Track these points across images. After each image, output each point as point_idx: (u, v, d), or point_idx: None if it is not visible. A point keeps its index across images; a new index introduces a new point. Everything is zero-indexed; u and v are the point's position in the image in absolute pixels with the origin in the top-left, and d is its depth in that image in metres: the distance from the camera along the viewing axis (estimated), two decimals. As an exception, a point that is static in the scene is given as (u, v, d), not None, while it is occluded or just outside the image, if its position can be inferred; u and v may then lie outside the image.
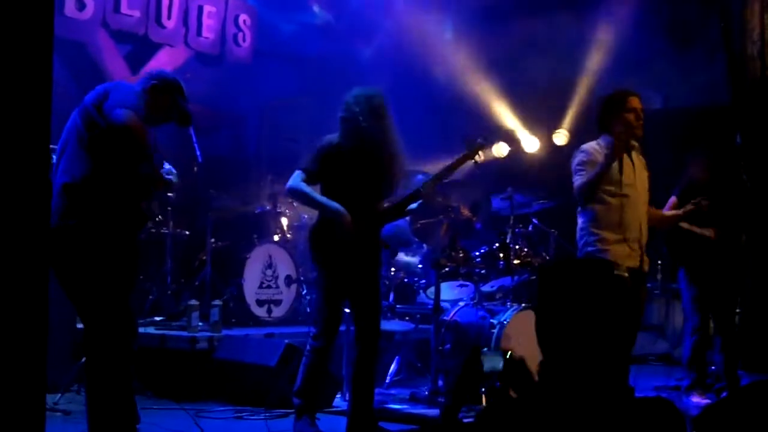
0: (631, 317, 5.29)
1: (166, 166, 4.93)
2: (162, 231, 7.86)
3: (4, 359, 2.62)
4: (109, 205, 4.42)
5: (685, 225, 6.55)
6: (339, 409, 6.24)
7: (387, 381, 7.02)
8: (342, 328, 5.82)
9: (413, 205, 5.41)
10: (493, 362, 3.15)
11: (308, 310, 8.00)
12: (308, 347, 5.39)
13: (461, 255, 6.59)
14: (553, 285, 2.62)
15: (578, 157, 5.40)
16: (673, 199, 6.65)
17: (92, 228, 4.39)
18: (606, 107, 5.47)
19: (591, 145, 5.42)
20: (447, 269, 6.56)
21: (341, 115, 5.31)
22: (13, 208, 2.68)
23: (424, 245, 7.20)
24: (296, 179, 5.27)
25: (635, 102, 5.37)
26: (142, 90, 4.63)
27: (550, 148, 9.56)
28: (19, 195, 2.70)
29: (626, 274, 5.19)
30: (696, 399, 6.44)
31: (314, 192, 5.29)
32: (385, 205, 5.44)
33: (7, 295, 2.64)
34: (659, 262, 8.40)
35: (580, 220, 5.46)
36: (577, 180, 5.35)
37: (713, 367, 6.80)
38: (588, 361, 2.56)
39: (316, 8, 10.38)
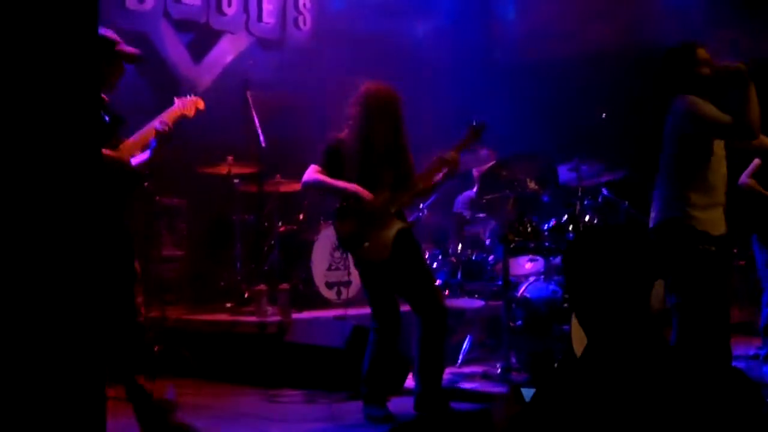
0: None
1: None
2: (230, 217, 7.90)
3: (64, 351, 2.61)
4: None
5: (756, 186, 6.32)
6: (411, 390, 6.19)
7: (459, 360, 6.93)
8: (406, 308, 5.79)
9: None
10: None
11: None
12: (371, 338, 5.46)
13: (529, 229, 6.46)
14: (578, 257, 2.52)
15: (688, 103, 4.84)
16: (756, 161, 6.41)
17: None
18: (672, 64, 4.98)
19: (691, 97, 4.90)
20: (515, 244, 6.44)
21: (348, 111, 5.39)
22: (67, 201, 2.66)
23: (492, 220, 7.09)
24: (310, 172, 5.33)
25: (703, 53, 4.90)
26: None
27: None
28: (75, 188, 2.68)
29: (713, 248, 4.91)
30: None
31: (329, 179, 5.32)
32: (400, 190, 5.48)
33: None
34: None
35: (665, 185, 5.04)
36: (714, 118, 4.79)
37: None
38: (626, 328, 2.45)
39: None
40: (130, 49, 4.61)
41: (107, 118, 4.49)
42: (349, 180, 5.34)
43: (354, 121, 5.35)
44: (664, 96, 4.96)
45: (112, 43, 4.54)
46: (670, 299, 5.02)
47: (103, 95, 4.48)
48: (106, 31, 4.55)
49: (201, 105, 5.07)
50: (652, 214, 5.05)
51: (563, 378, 2.46)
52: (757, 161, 6.38)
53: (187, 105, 4.96)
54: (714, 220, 4.93)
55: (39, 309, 2.35)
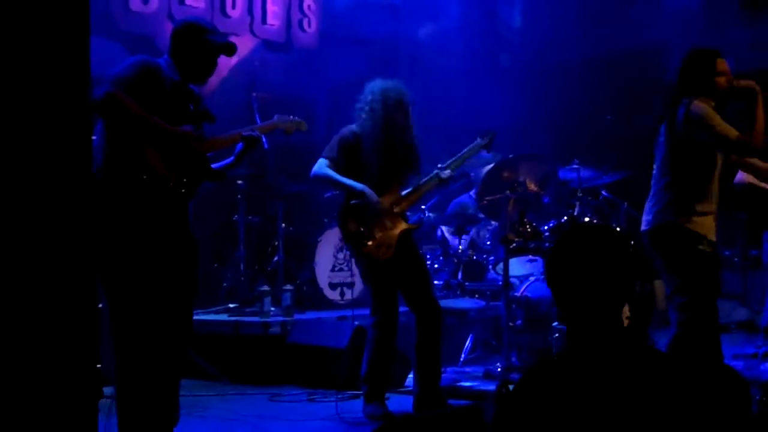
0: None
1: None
2: (234, 218, 7.97)
3: (55, 354, 2.65)
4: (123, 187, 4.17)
5: (756, 182, 6.33)
6: (412, 388, 6.24)
7: (462, 359, 6.99)
8: (405, 308, 5.84)
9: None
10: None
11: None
12: (370, 335, 5.51)
13: (529, 230, 6.52)
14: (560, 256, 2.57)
15: (705, 118, 4.87)
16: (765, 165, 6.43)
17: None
18: (692, 68, 5.00)
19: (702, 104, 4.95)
20: (515, 244, 6.49)
21: (358, 106, 5.44)
22: (57, 203, 2.71)
23: (492, 221, 7.14)
24: (321, 165, 5.36)
25: (723, 65, 4.96)
26: (171, 51, 4.41)
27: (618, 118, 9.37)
28: (61, 189, 2.73)
29: (710, 250, 4.98)
30: (774, 366, 6.28)
31: (338, 175, 5.35)
32: (404, 192, 5.58)
33: (57, 289, 2.68)
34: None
35: (666, 189, 5.05)
36: (722, 130, 4.82)
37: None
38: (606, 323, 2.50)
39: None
40: (221, 38, 4.48)
41: (192, 108, 4.43)
42: (365, 176, 5.38)
43: (373, 117, 5.37)
44: (676, 94, 5.00)
45: (202, 30, 4.44)
46: (673, 300, 5.06)
47: (192, 87, 4.45)
48: (196, 19, 4.53)
49: (303, 127, 5.08)
50: (647, 217, 5.08)
51: (543, 373, 2.51)
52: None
53: (286, 123, 4.99)
54: (710, 227, 5.00)
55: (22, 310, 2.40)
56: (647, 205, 5.10)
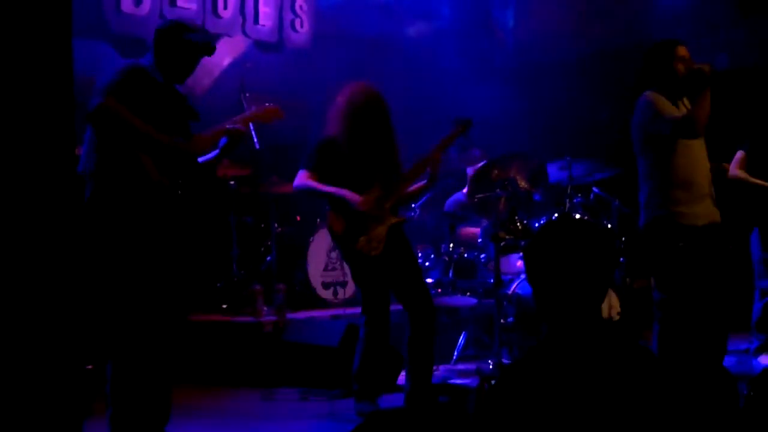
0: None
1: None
2: (226, 219, 7.98)
3: (35, 356, 2.65)
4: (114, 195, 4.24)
5: (757, 180, 6.36)
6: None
7: (454, 357, 7.01)
8: (400, 307, 5.85)
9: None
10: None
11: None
12: (362, 334, 5.50)
13: (520, 227, 6.53)
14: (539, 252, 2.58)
15: (648, 108, 4.99)
16: (740, 154, 6.46)
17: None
18: (652, 59, 5.14)
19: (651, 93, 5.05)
20: (506, 242, 6.51)
21: (332, 112, 5.51)
22: (38, 205, 2.72)
23: (483, 219, 7.15)
24: (300, 177, 5.39)
25: (683, 51, 5.07)
26: (153, 52, 4.44)
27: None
28: (44, 191, 2.74)
29: (697, 241, 4.98)
30: (764, 360, 6.29)
31: (318, 184, 5.39)
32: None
33: (40, 292, 2.69)
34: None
35: (644, 184, 5.15)
36: (665, 118, 4.92)
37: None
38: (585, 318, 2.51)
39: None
40: (201, 37, 4.51)
41: (178, 110, 4.48)
42: (343, 177, 5.41)
43: (340, 121, 5.43)
44: (640, 92, 5.06)
45: (182, 29, 4.48)
46: (654, 296, 5.10)
47: (176, 87, 4.49)
48: (177, 20, 4.63)
49: (280, 114, 5.10)
50: (640, 214, 5.13)
51: (522, 368, 2.52)
52: (741, 153, 6.42)
53: (263, 111, 5.02)
54: (699, 213, 5.00)
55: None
56: (639, 202, 5.16)
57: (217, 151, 4.68)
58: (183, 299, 4.49)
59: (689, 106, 4.97)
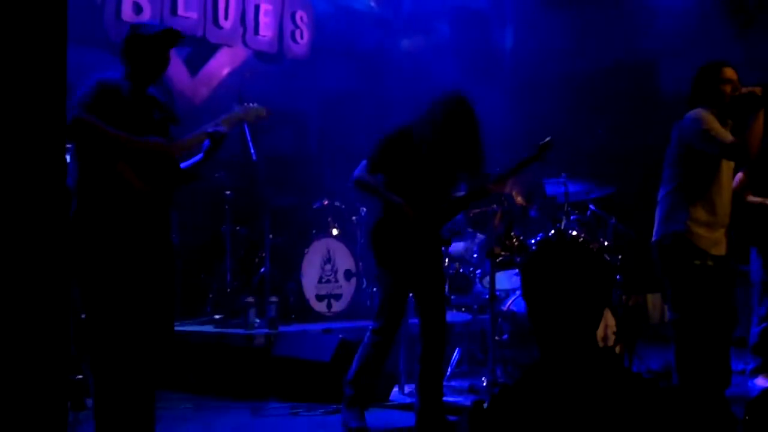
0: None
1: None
2: (221, 229, 7.94)
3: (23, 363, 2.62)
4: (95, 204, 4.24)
5: (756, 199, 6.32)
6: (396, 403, 6.21)
7: (448, 373, 6.94)
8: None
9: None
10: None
11: (368, 303, 8.00)
12: (367, 340, 5.36)
13: (516, 243, 6.48)
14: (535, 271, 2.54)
15: (700, 123, 4.92)
16: (740, 175, 6.43)
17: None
18: (699, 80, 5.11)
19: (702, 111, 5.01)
20: (502, 258, 6.46)
21: (424, 114, 5.33)
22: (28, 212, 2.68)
23: (479, 235, 7.11)
24: (362, 170, 5.29)
25: (730, 72, 5.04)
26: (121, 62, 4.43)
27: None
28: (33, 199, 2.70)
29: (710, 263, 4.95)
30: (761, 382, 6.24)
31: (380, 185, 5.31)
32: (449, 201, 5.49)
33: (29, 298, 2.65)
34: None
35: (668, 198, 5.10)
36: (718, 139, 4.85)
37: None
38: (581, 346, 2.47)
39: (372, 2, 10.37)
40: (152, 29, 4.43)
41: (156, 116, 4.44)
42: (406, 176, 5.29)
43: (437, 125, 5.26)
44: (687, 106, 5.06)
45: (134, 28, 4.46)
46: (670, 315, 5.06)
47: (154, 92, 4.46)
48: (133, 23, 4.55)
49: (263, 113, 5.01)
50: (655, 227, 5.09)
51: (516, 391, 2.48)
52: (740, 175, 6.38)
53: (246, 111, 4.93)
54: (715, 240, 4.97)
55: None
56: (656, 216, 5.11)
57: (201, 155, 4.64)
58: (167, 310, 4.44)
59: (731, 129, 4.97)
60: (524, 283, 2.55)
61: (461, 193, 5.59)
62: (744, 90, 4.94)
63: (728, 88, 4.98)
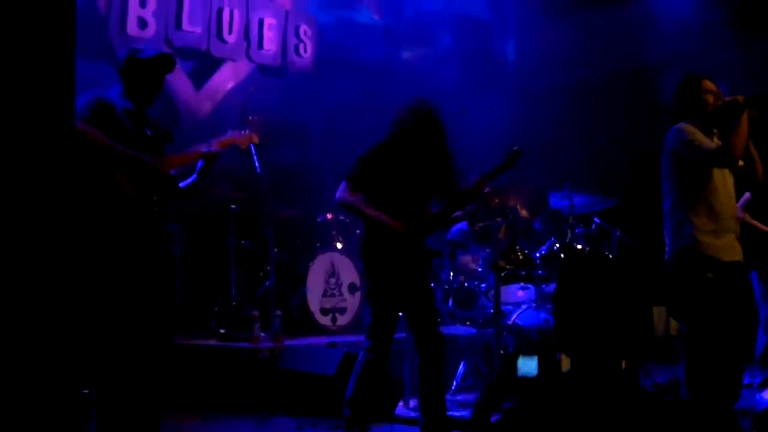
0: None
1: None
2: (226, 242, 7.94)
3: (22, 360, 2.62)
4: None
5: (749, 220, 6.32)
6: (401, 417, 6.18)
7: (453, 387, 6.93)
8: (403, 335, 5.77)
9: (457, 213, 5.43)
10: (528, 367, 3.06)
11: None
12: (361, 358, 5.35)
13: (521, 257, 6.48)
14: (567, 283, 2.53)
15: (683, 134, 4.98)
16: (747, 196, 6.42)
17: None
18: (680, 94, 5.15)
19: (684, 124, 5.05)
20: (507, 272, 6.45)
21: (393, 126, 5.33)
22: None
23: (484, 248, 7.10)
24: (343, 191, 5.28)
25: (708, 84, 5.07)
26: (119, 78, 4.57)
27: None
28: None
29: (722, 274, 4.94)
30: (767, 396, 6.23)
31: (362, 204, 5.29)
32: (430, 213, 5.45)
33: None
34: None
35: (672, 212, 5.10)
36: (702, 148, 4.90)
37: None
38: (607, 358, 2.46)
39: (375, 15, 10.39)
40: (151, 53, 4.55)
41: (149, 133, 4.57)
42: (386, 191, 5.28)
43: (398, 135, 5.31)
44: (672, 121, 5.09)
45: (132, 52, 4.57)
46: (682, 329, 5.04)
47: (144, 111, 4.59)
48: (132, 46, 4.70)
49: (255, 140, 5.25)
50: (666, 244, 5.08)
51: (526, 408, 2.47)
52: (747, 195, 6.39)
53: (239, 137, 5.07)
54: (725, 246, 4.96)
55: None
56: (664, 231, 5.11)
57: (195, 176, 4.81)
58: (166, 319, 4.49)
59: (719, 139, 4.99)
60: (560, 295, 2.53)
61: (439, 206, 5.56)
62: (727, 99, 4.97)
63: (710, 98, 5.02)
